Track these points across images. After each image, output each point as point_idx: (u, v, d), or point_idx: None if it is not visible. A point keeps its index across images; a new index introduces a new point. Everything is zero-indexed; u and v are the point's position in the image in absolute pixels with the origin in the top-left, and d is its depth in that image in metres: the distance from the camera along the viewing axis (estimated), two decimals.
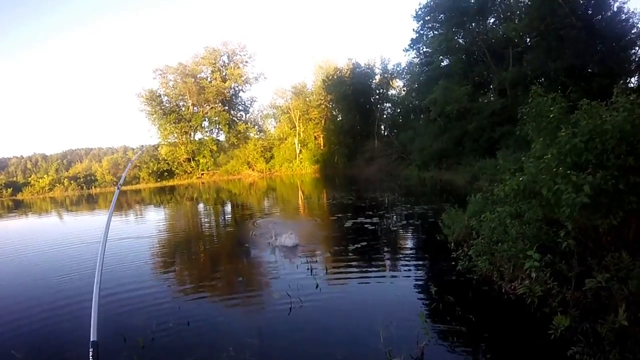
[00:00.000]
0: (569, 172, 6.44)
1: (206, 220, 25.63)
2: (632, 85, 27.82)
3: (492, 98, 34.92)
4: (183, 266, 13.08)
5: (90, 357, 2.45)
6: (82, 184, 47.86)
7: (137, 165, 53.30)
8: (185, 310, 9.08)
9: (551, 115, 8.19)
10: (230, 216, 26.96)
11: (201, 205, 32.62)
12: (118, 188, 4.37)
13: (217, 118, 61.49)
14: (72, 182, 47.39)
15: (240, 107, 65.65)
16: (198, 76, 60.51)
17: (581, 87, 24.00)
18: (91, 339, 2.57)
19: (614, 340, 5.81)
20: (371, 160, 50.49)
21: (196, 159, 59.25)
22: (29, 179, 50.10)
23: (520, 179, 7.78)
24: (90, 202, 34.63)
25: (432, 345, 6.86)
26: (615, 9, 27.50)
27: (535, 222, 8.68)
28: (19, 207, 34.69)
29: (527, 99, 9.16)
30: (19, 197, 43.44)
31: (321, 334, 7.87)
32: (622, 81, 25.35)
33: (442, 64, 40.98)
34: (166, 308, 9.32)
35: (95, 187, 48.53)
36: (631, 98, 6.49)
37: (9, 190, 46.99)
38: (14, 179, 53.59)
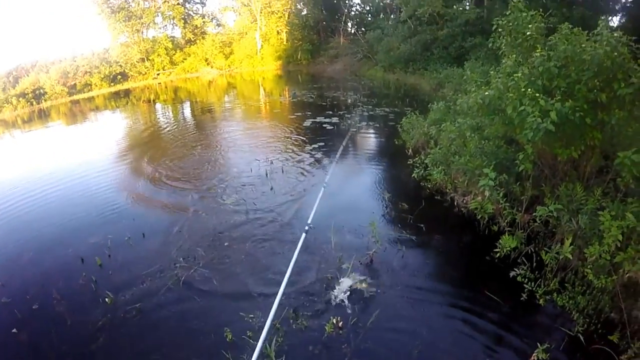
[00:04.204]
0: (537, 95, 6.18)
1: (164, 122, 24.60)
2: (612, 24, 27.01)
3: (467, 6, 33.30)
4: (138, 176, 12.54)
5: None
6: (32, 99, 44.20)
7: (87, 71, 49.79)
8: (141, 223, 8.97)
9: (528, 33, 7.77)
10: (190, 116, 26.16)
11: (158, 106, 31.31)
12: None
13: (171, 12, 55.76)
14: (20, 99, 43.65)
15: (197, 0, 61.19)
16: None
17: (562, 12, 23.12)
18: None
19: (555, 269, 5.98)
20: (336, 58, 48.59)
21: (150, 58, 54.69)
22: None
23: (486, 93, 7.48)
24: (42, 117, 32.44)
25: (381, 252, 7.10)
26: None
27: (495, 140, 8.61)
28: None
29: (504, 12, 8.63)
30: None
31: (273, 238, 7.93)
32: (604, 16, 24.59)
33: None
34: (122, 223, 9.14)
35: (45, 100, 45.16)
36: (615, 35, 6.13)
37: None
38: None
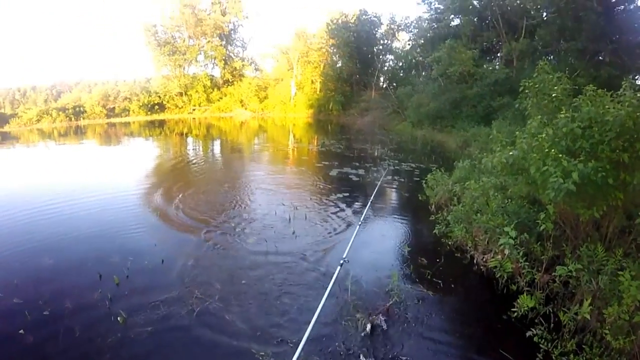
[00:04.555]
0: (560, 155, 6.21)
1: (194, 156, 25.25)
2: (639, 83, 27.16)
3: (497, 66, 33.94)
4: (163, 203, 12.87)
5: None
6: (71, 115, 45.93)
7: (127, 97, 51.85)
8: (161, 249, 9.09)
9: (554, 95, 7.90)
10: (219, 153, 26.69)
11: (190, 140, 32.16)
12: None
13: (213, 52, 58.77)
14: (60, 113, 45.44)
15: (238, 44, 62.61)
16: (197, 7, 57.25)
17: (589, 73, 23.33)
18: None
19: (573, 330, 5.82)
20: (366, 111, 49.43)
21: (188, 93, 57.08)
22: (17, 110, 48.28)
23: (511, 153, 7.55)
24: (77, 133, 33.74)
25: (397, 305, 6.96)
26: (638, 4, 26.06)
27: (518, 199, 8.60)
28: (5, 139, 33.27)
29: (532, 73, 8.80)
30: (6, 129, 41.52)
31: (292, 282, 7.84)
32: (631, 76, 24.88)
33: (452, 23, 39.17)
34: (143, 246, 9.34)
35: (83, 118, 46.96)
36: (639, 95, 6.20)
37: None
38: (1, 110, 51.34)
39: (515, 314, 6.50)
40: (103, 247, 9.19)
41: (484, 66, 32.25)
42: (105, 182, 14.90)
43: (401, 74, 54.51)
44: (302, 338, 4.23)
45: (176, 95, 56.00)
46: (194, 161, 22.64)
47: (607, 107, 6.38)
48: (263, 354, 5.61)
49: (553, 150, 6.39)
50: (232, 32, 61.05)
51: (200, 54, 59.44)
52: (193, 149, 27.99)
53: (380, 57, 57.25)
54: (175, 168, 19.54)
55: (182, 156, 24.11)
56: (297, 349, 4.08)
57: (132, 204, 12.48)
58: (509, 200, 8.72)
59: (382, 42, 57.32)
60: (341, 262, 6.32)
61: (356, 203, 13.17)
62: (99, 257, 8.57)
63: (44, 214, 11.39)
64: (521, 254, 7.13)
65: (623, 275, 5.15)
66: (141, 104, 52.20)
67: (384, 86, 55.21)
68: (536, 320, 6.31)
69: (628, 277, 5.08)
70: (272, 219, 11.40)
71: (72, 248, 9.16)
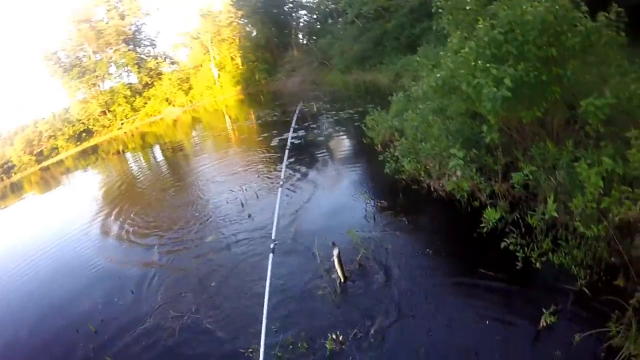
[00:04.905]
0: (488, 65, 6.07)
1: (137, 170, 24.06)
2: None
3: None
4: (114, 231, 12.11)
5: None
6: (1, 175, 43.16)
7: (51, 135, 48.70)
8: (127, 281, 8.58)
9: (468, 8, 7.70)
10: (161, 158, 25.73)
11: (129, 156, 30.73)
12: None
13: (123, 60, 55.26)
14: None
15: (147, 43, 58.80)
16: (93, 19, 53.59)
17: None
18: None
19: (545, 229, 5.86)
20: (293, 71, 48.65)
21: (111, 109, 53.49)
22: None
23: (438, 75, 7.37)
24: (14, 191, 31.51)
25: (368, 255, 6.88)
26: None
27: (458, 117, 8.51)
28: None
29: None
30: None
31: (260, 269, 7.42)
32: None
33: None
34: (107, 283, 8.81)
35: (15, 173, 43.87)
36: None
37: None
38: None
39: (485, 228, 6.49)
40: (69, 300, 8.57)
41: None
42: (54, 231, 13.82)
43: (318, 26, 53.57)
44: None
45: (100, 116, 52.65)
46: (137, 175, 21.58)
47: (524, 7, 6.22)
48: (251, 349, 5.42)
49: (479, 61, 6.22)
50: (136, 33, 57.38)
51: (111, 65, 56.04)
52: (134, 163, 26.82)
53: (293, 14, 55.99)
54: (120, 189, 18.47)
55: (124, 174, 22.93)
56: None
57: (86, 244, 11.62)
58: (450, 120, 8.61)
59: None
60: (272, 246, 5.90)
61: (302, 166, 12.97)
62: (68, 312, 8.03)
63: (8, 283, 10.53)
64: (474, 170, 7.10)
65: (580, 166, 5.12)
66: (67, 137, 48.94)
67: (305, 42, 54.31)
68: (507, 230, 6.34)
69: (585, 166, 5.05)
70: (225, 209, 11.04)
71: (44, 310, 8.49)
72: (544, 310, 4.64)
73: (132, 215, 12.94)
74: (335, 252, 6.10)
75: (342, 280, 6.26)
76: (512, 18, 6.25)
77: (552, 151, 6.25)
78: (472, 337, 4.82)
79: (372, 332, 5.22)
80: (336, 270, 6.25)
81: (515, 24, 6.24)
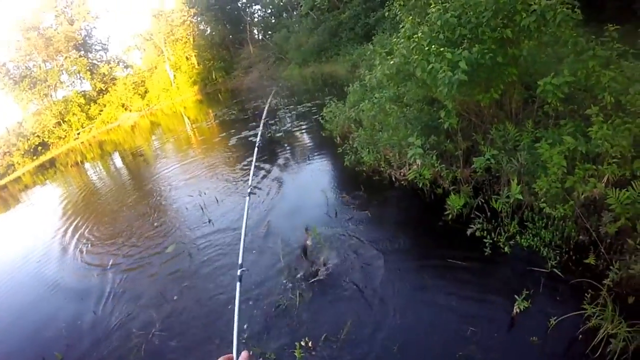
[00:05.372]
0: (442, 49, 5.89)
1: (97, 181, 22.80)
2: None
3: None
4: (71, 249, 11.23)
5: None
6: None
7: (5, 151, 46.34)
8: (89, 302, 7.94)
9: None
10: (121, 166, 24.79)
11: (88, 166, 29.49)
12: None
13: (75, 67, 52.93)
14: None
15: (98, 47, 56.25)
16: (41, 27, 51.03)
17: None
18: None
19: (510, 212, 5.72)
20: (250, 68, 47.87)
21: (67, 119, 51.19)
22: None
23: (392, 62, 7.16)
24: None
25: (332, 253, 6.58)
26: None
27: (416, 104, 8.32)
28: None
29: None
30: None
31: (223, 276, 7.20)
32: None
33: None
34: (69, 306, 8.13)
35: None
36: None
37: None
38: None
39: (450, 215, 6.32)
40: (33, 329, 7.83)
41: None
42: (13, 255, 12.77)
43: (273, 20, 53.02)
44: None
45: (55, 127, 50.53)
46: (97, 186, 20.48)
47: None
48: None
49: (433, 46, 6.03)
50: (87, 38, 55.11)
51: (63, 73, 53.85)
52: (94, 174, 25.73)
53: (247, 10, 55.16)
54: (79, 203, 17.48)
55: (84, 186, 21.84)
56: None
57: (46, 266, 10.58)
58: (408, 107, 8.40)
59: None
60: (239, 273, 5.21)
61: (261, 164, 12.50)
62: (33, 341, 7.39)
63: None
64: (435, 157, 6.91)
65: (542, 146, 5.04)
66: (23, 152, 46.68)
67: (260, 38, 53.60)
68: (472, 215, 6.18)
69: (546, 146, 4.98)
70: (185, 215, 10.52)
71: (11, 341, 7.80)
72: (516, 296, 4.50)
73: (92, 230, 12.12)
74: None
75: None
76: (464, 0, 6.12)
77: (512, 133, 6.15)
78: (444, 331, 4.63)
79: (342, 332, 4.93)
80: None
81: (468, 6, 6.11)
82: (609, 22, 5.52)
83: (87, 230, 12.22)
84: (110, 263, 9.28)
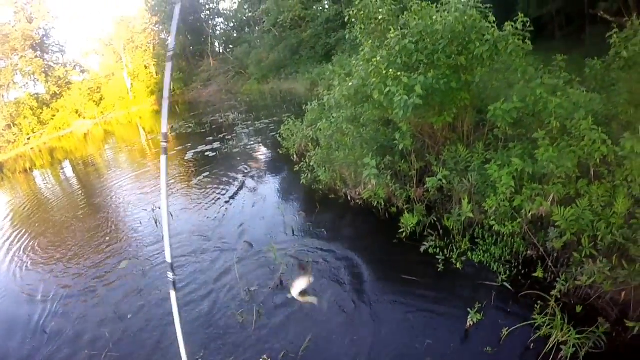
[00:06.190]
0: (399, 73, 6.03)
1: (46, 191, 21.62)
2: None
3: (326, 5, 34.07)
4: (19, 269, 10.07)
5: None
6: None
7: None
8: (40, 318, 7.41)
9: (380, 17, 7.68)
10: (72, 176, 23.77)
11: (37, 174, 27.94)
12: None
13: (30, 68, 50.37)
14: None
15: (56, 49, 53.38)
16: None
17: None
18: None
19: (462, 230, 5.89)
20: (209, 81, 47.45)
21: (17, 123, 48.51)
22: None
23: (350, 83, 7.28)
24: None
25: (289, 271, 6.50)
26: None
27: (372, 125, 8.43)
28: None
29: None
30: None
31: (178, 293, 6.90)
32: None
33: None
34: (21, 326, 7.37)
35: None
36: (463, 0, 6.18)
37: None
38: None
39: (404, 233, 6.40)
40: None
41: (314, 8, 32.13)
42: None
43: (235, 34, 52.81)
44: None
45: (4, 130, 47.80)
46: (46, 196, 19.31)
47: (434, 17, 6.33)
48: None
49: (391, 70, 6.16)
50: (44, 38, 52.70)
51: (16, 74, 51.16)
52: (43, 183, 24.50)
53: (210, 22, 54.71)
54: (27, 214, 16.27)
55: (32, 196, 20.57)
56: None
57: None
58: (364, 128, 8.49)
59: (207, 6, 54.46)
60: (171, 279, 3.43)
61: (216, 181, 12.30)
62: None
63: None
64: (389, 177, 7.03)
65: (491, 167, 5.24)
66: None
67: (221, 51, 53.26)
68: (425, 233, 6.29)
69: (495, 167, 5.19)
70: (138, 230, 10.04)
71: None
72: (469, 309, 4.62)
73: (40, 244, 11.07)
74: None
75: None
76: (422, 28, 6.33)
77: (463, 154, 6.37)
78: (401, 344, 4.67)
79: (301, 349, 4.86)
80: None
81: (425, 33, 6.32)
82: (558, 50, 5.85)
83: (37, 244, 11.14)
84: (63, 280, 8.61)
